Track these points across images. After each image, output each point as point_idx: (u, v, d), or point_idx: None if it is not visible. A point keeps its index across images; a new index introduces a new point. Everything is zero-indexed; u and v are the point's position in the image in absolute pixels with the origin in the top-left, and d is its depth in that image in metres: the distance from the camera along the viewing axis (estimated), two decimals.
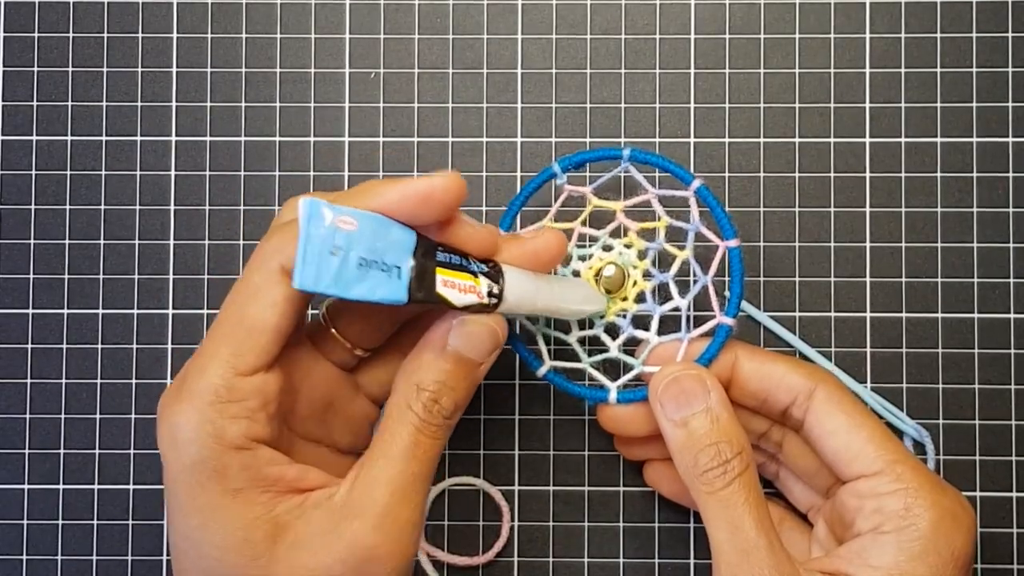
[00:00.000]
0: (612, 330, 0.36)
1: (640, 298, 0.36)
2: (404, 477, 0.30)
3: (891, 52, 0.40)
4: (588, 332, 0.36)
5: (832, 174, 0.40)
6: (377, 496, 0.29)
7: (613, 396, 0.35)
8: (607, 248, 0.36)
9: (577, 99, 0.40)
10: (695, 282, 0.35)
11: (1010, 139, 0.40)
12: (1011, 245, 0.39)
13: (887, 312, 0.39)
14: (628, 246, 0.36)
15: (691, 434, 0.32)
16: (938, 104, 0.40)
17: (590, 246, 0.36)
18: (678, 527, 0.39)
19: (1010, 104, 0.40)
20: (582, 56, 0.40)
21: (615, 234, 0.36)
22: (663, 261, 0.36)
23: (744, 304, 0.39)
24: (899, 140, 0.40)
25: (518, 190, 0.40)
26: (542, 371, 0.36)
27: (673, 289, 0.36)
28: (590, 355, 0.36)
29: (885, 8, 0.40)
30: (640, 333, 0.36)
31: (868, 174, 0.40)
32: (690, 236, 0.35)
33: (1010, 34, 0.40)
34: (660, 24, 0.40)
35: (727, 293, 0.36)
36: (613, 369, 0.37)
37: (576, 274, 0.36)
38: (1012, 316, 0.39)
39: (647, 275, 0.36)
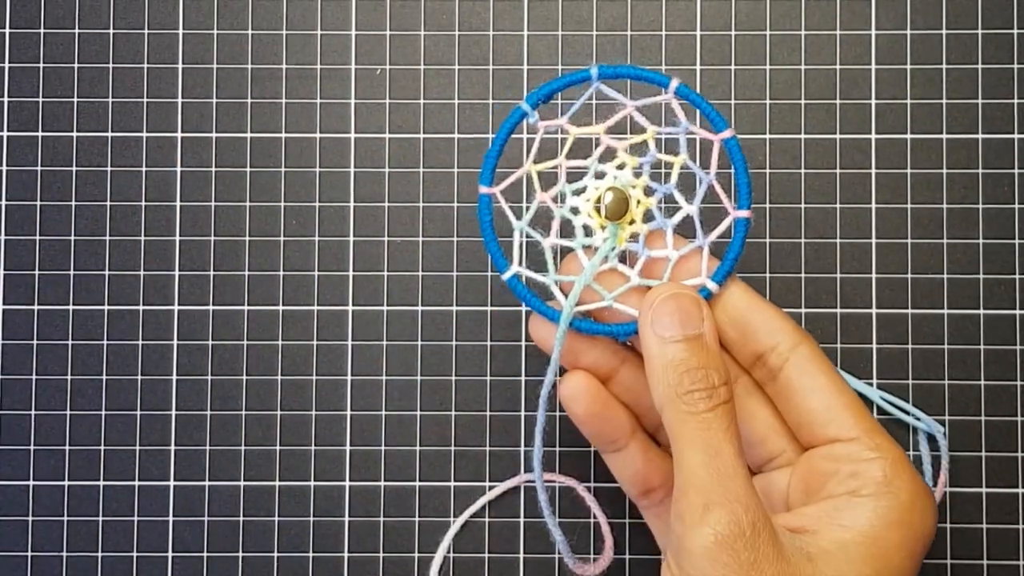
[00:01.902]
0: (629, 258, 0.34)
1: (648, 216, 0.33)
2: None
3: (897, 48, 0.40)
4: (605, 267, 0.33)
5: (838, 170, 0.40)
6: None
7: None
8: (600, 175, 0.34)
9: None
10: (700, 184, 0.33)
11: (1016, 135, 0.40)
12: (1016, 241, 0.39)
13: (893, 308, 0.39)
14: (621, 167, 0.34)
15: (680, 354, 0.31)
16: (944, 100, 0.40)
17: (582, 179, 0.34)
18: None
19: (1016, 100, 0.40)
20: (588, 52, 0.40)
21: (604, 159, 0.34)
22: (661, 173, 0.34)
23: None
24: (904, 136, 0.40)
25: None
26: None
27: (679, 198, 0.33)
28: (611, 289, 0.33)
29: (890, 4, 0.40)
30: (657, 252, 0.33)
31: (874, 170, 0.40)
32: (682, 139, 0.33)
33: (1015, 31, 0.40)
34: (666, 20, 0.40)
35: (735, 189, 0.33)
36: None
37: (575, 211, 0.34)
38: (1018, 312, 0.39)
39: (649, 191, 0.34)
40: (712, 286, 0.33)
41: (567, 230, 0.33)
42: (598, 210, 0.33)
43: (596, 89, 0.33)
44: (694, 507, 0.29)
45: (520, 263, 0.33)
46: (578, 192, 0.34)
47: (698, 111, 0.33)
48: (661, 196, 0.33)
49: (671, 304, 0.31)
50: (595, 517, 0.39)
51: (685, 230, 0.33)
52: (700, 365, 0.30)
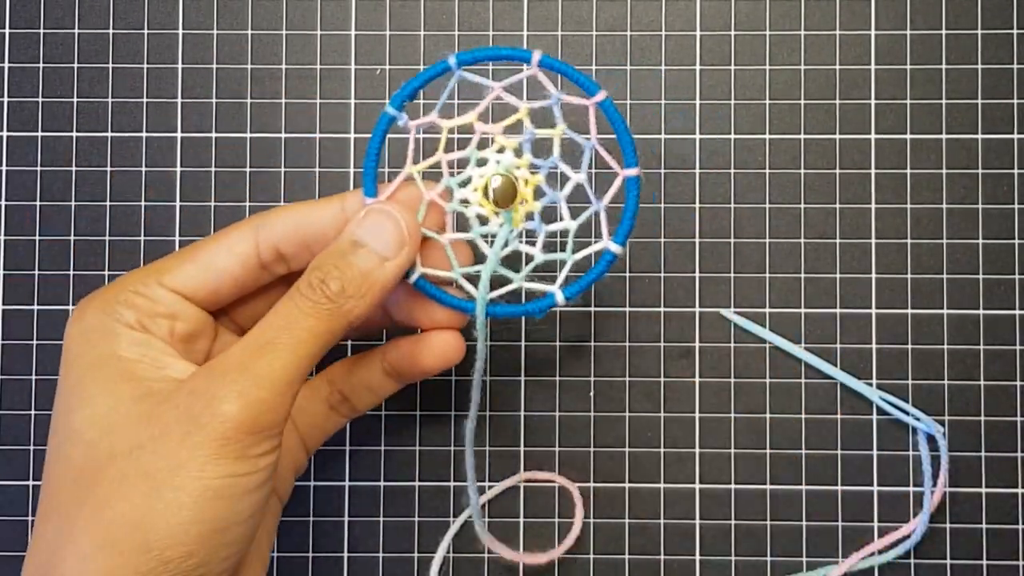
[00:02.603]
0: (530, 238, 0.34)
1: (539, 193, 0.34)
2: (264, 340, 0.29)
3: (896, 48, 0.40)
4: (507, 250, 0.33)
5: (837, 170, 0.40)
6: (230, 352, 0.29)
7: (560, 297, 0.33)
8: (482, 163, 0.33)
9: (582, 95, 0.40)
10: (584, 151, 0.33)
11: (1015, 135, 0.40)
12: (1016, 241, 0.39)
13: (892, 308, 0.39)
14: (501, 151, 0.33)
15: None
16: (943, 100, 0.40)
17: (462, 172, 0.34)
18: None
19: (1015, 100, 0.40)
20: (587, 52, 0.40)
21: (483, 146, 0.33)
22: (546, 153, 0.34)
23: (745, 323, 0.39)
24: (904, 136, 0.40)
25: None
26: (480, 305, 0.33)
27: (565, 169, 0.33)
28: (515, 269, 0.34)
29: (890, 4, 0.40)
30: (554, 226, 0.34)
31: (873, 170, 0.40)
32: (556, 110, 0.33)
33: (1015, 30, 0.40)
34: (665, 21, 0.40)
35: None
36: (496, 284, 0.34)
37: (465, 203, 0.33)
38: (1017, 312, 0.39)
39: (534, 168, 0.33)
40: (616, 248, 0.33)
41: (462, 223, 0.34)
42: (487, 197, 0.33)
43: (459, 78, 0.33)
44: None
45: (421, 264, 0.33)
46: (464, 183, 0.34)
47: (569, 79, 0.33)
48: (546, 171, 0.33)
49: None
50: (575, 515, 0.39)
51: (578, 198, 0.34)
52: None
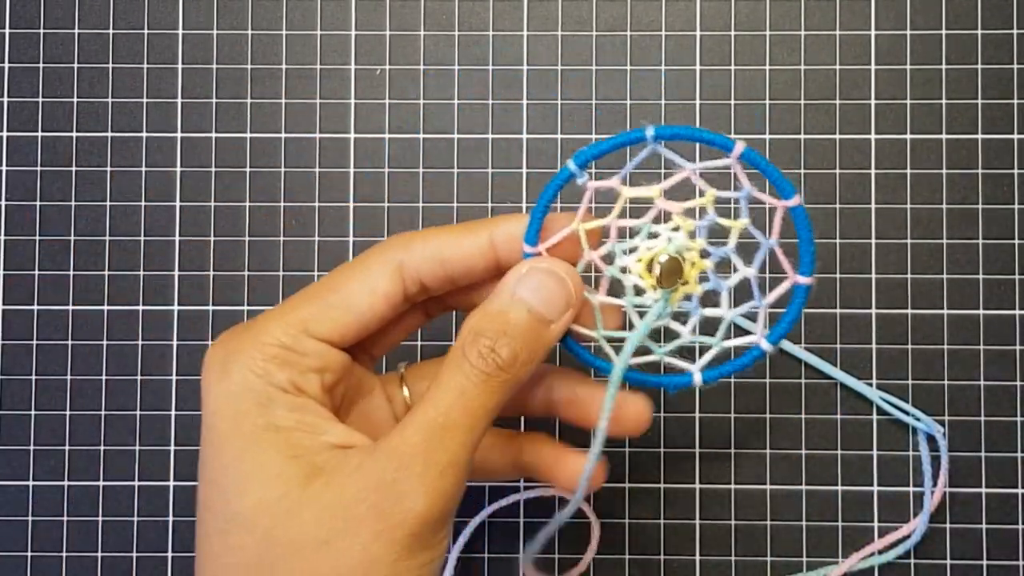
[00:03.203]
0: (681, 317, 0.32)
1: (703, 278, 0.32)
2: (443, 422, 0.28)
3: (896, 48, 0.40)
4: (658, 323, 0.32)
5: (837, 170, 0.40)
6: (408, 435, 0.28)
7: (698, 378, 0.32)
8: (653, 236, 0.32)
9: (583, 95, 0.40)
10: (760, 249, 0.31)
11: (1015, 135, 0.40)
12: (1016, 241, 0.39)
13: (892, 308, 0.39)
14: (676, 229, 0.32)
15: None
16: (943, 100, 0.40)
17: (632, 238, 0.32)
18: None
19: (1015, 100, 0.40)
20: (588, 52, 0.40)
21: (658, 220, 0.32)
22: (719, 236, 0.32)
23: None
24: (904, 136, 0.40)
25: (523, 186, 0.40)
26: (616, 373, 0.31)
27: (736, 262, 0.32)
28: (662, 344, 0.32)
29: (890, 4, 0.40)
30: (711, 311, 0.32)
31: (873, 170, 0.40)
32: (743, 204, 0.31)
33: (1015, 31, 0.40)
34: (665, 21, 0.40)
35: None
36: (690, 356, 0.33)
37: (625, 270, 0.32)
38: (1017, 312, 0.39)
39: (704, 254, 0.32)
40: (767, 346, 0.32)
41: (614, 288, 0.32)
42: (649, 270, 0.32)
43: (652, 151, 0.31)
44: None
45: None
46: (628, 251, 0.32)
47: (766, 178, 0.31)
48: (716, 258, 0.32)
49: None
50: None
51: (740, 292, 0.32)
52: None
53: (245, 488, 0.28)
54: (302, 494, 0.28)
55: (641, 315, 0.32)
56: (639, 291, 0.32)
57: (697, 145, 0.39)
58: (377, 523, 0.27)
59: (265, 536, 0.28)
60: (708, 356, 0.32)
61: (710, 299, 0.32)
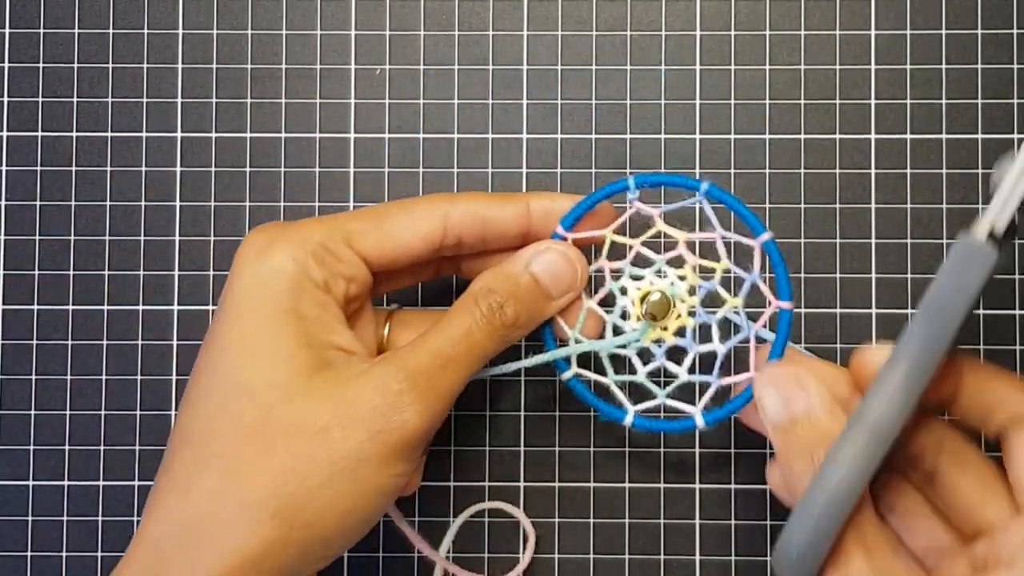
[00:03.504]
0: (644, 355, 0.35)
1: (680, 332, 0.35)
2: (449, 352, 0.31)
3: (896, 48, 0.40)
4: (621, 351, 0.35)
5: (837, 170, 0.40)
6: (419, 354, 0.31)
7: (629, 419, 0.35)
8: (660, 274, 0.35)
9: (582, 95, 0.40)
10: (736, 331, 0.35)
11: (1016, 135, 0.40)
12: (1016, 241, 0.39)
13: (892, 308, 0.39)
14: (682, 278, 0.35)
15: (790, 438, 0.31)
16: (943, 100, 0.40)
17: (645, 267, 0.35)
18: (684, 523, 0.39)
19: (1015, 100, 0.40)
20: (587, 52, 0.40)
21: (672, 262, 0.35)
22: (712, 303, 0.35)
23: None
24: (904, 136, 0.40)
25: (523, 186, 0.40)
26: (567, 375, 0.35)
27: (715, 333, 0.35)
28: (617, 372, 0.36)
29: (890, 4, 0.40)
30: (671, 366, 0.35)
31: (873, 170, 0.40)
32: (745, 286, 0.35)
33: (1015, 31, 0.40)
34: (665, 20, 0.40)
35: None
36: (636, 390, 0.36)
37: (624, 292, 0.35)
38: (1017, 312, 0.39)
39: (692, 312, 0.35)
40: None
41: (607, 302, 0.35)
42: (642, 301, 0.35)
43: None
44: None
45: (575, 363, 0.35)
46: (635, 277, 0.35)
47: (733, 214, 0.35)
48: (700, 323, 0.35)
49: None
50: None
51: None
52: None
53: (257, 362, 0.30)
54: (309, 381, 0.30)
55: (616, 334, 0.35)
56: (625, 314, 0.35)
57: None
58: (375, 424, 0.30)
59: (267, 411, 0.30)
60: (708, 395, 0.35)
61: (672, 355, 0.35)
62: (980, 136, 0.40)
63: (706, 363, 0.35)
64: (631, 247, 0.35)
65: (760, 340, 0.35)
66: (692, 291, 0.35)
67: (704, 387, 0.35)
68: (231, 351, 0.31)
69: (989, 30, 0.40)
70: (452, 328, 0.32)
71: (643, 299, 0.35)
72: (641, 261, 0.35)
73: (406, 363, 0.31)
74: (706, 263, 0.35)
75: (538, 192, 0.35)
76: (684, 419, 0.35)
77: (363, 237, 0.32)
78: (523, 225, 0.34)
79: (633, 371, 0.35)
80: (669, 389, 0.35)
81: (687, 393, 0.35)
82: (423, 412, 0.30)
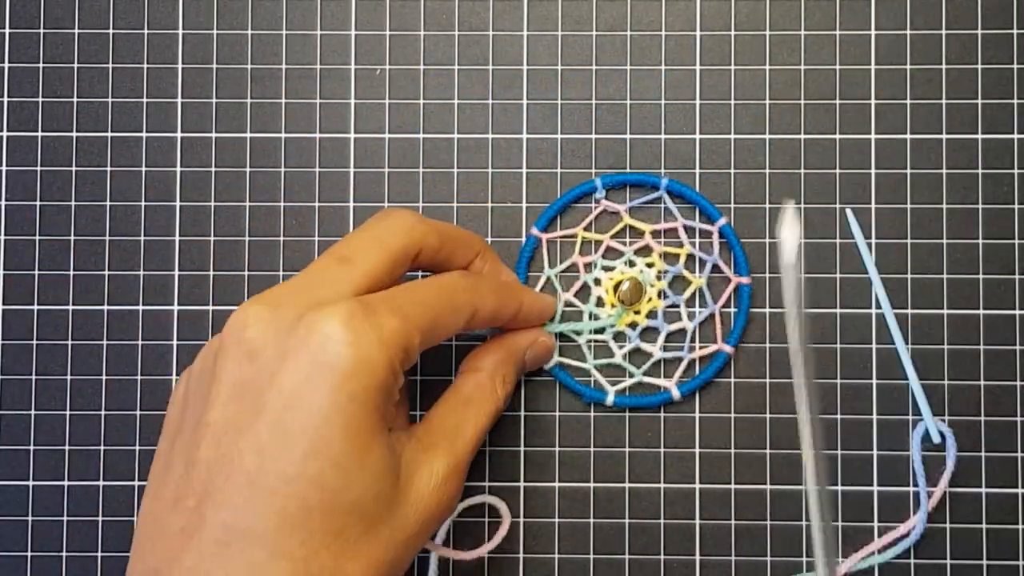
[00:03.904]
0: (620, 338, 0.39)
1: (651, 315, 0.39)
2: (480, 436, 0.35)
3: (897, 48, 0.40)
4: (598, 336, 0.39)
5: (837, 170, 0.40)
6: (461, 449, 0.34)
7: (610, 399, 0.39)
8: (630, 263, 0.39)
9: (583, 95, 0.40)
10: (706, 264, 0.39)
11: (1015, 135, 0.40)
12: (1016, 241, 0.39)
13: (892, 308, 0.39)
14: (650, 265, 0.39)
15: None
16: (943, 100, 0.40)
17: (617, 258, 0.39)
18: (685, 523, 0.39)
19: (1015, 100, 0.40)
20: (588, 52, 0.40)
21: (640, 252, 0.39)
22: (679, 286, 0.39)
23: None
24: (904, 136, 0.40)
25: (523, 186, 0.40)
26: (550, 364, 0.39)
27: (683, 312, 0.39)
28: (595, 357, 0.39)
29: (890, 4, 0.40)
30: (645, 346, 0.39)
31: (873, 170, 0.40)
32: (707, 267, 0.39)
33: (1015, 31, 0.40)
34: (665, 21, 0.40)
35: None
36: (615, 373, 0.40)
37: (597, 282, 0.39)
38: (1017, 312, 0.39)
39: (662, 295, 0.39)
40: (728, 349, 0.39)
41: (582, 294, 0.39)
42: (615, 290, 0.39)
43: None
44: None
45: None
46: (607, 268, 0.39)
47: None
48: (669, 303, 0.39)
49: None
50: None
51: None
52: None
53: (368, 482, 0.30)
54: (396, 491, 0.31)
55: (591, 320, 0.39)
56: (600, 302, 0.39)
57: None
58: (440, 515, 0.33)
59: (373, 524, 0.30)
60: (680, 369, 0.39)
61: (646, 336, 0.39)
62: (980, 136, 0.40)
63: (677, 341, 0.39)
64: (601, 242, 0.39)
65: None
66: (659, 276, 0.39)
67: (677, 363, 0.39)
68: (346, 467, 0.29)
69: (989, 30, 0.40)
70: (484, 415, 0.35)
71: (616, 287, 0.39)
72: (611, 254, 0.39)
73: (456, 455, 0.33)
74: (671, 250, 0.39)
75: (535, 296, 0.38)
76: (662, 393, 0.39)
77: (428, 340, 0.32)
78: (515, 312, 0.37)
79: (611, 355, 0.39)
80: (645, 367, 0.39)
81: (661, 370, 0.39)
82: (460, 490, 0.34)
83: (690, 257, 0.39)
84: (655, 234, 0.39)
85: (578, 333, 0.39)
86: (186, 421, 0.31)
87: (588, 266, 0.39)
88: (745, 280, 0.39)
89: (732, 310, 0.39)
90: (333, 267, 0.32)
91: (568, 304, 0.40)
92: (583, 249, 0.39)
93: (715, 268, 0.39)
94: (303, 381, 0.29)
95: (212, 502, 0.28)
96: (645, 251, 0.39)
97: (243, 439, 0.29)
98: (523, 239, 0.40)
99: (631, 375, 0.39)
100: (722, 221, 0.39)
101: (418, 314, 0.31)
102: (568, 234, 0.39)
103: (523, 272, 0.39)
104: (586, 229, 0.39)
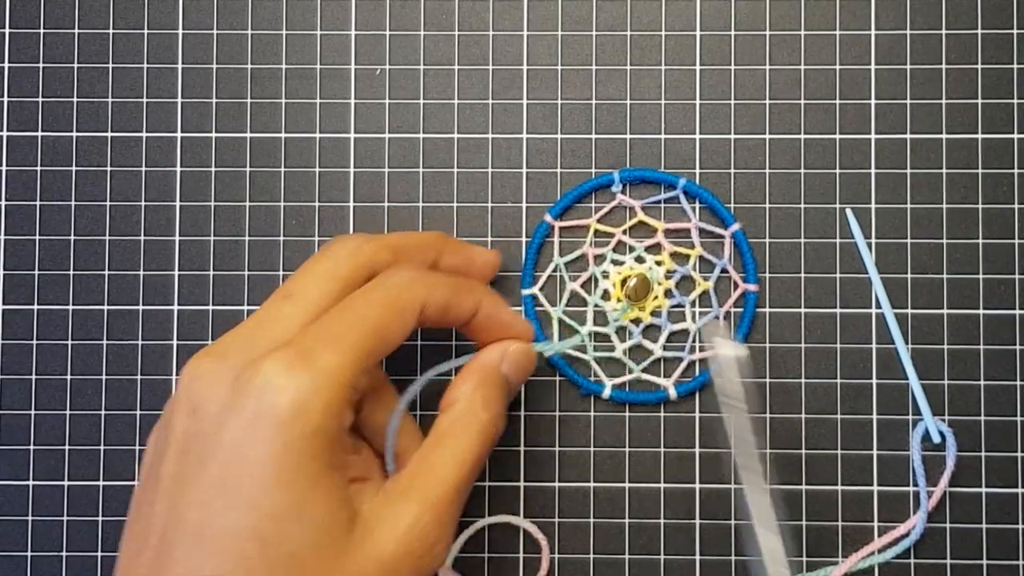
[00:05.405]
0: (621, 333, 0.39)
1: (655, 313, 0.39)
2: (467, 476, 0.32)
3: (896, 48, 0.40)
4: (601, 328, 0.39)
5: (838, 170, 0.40)
6: (443, 492, 0.32)
7: (607, 392, 0.39)
8: (640, 260, 0.39)
9: (583, 95, 0.40)
10: (716, 268, 0.39)
11: (1015, 135, 0.40)
12: (1016, 241, 0.39)
13: (892, 308, 0.39)
14: (659, 263, 0.39)
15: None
16: (943, 100, 0.40)
17: (627, 253, 0.39)
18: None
19: (1015, 100, 0.40)
20: (587, 52, 0.40)
21: (650, 249, 0.39)
22: (686, 286, 0.39)
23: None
24: (904, 136, 0.40)
25: (523, 186, 0.40)
26: (549, 352, 0.38)
27: (687, 312, 0.39)
28: (596, 350, 0.39)
29: (890, 4, 0.40)
30: (647, 343, 0.39)
31: (873, 170, 0.40)
32: (716, 270, 0.39)
33: (1015, 31, 0.40)
34: (665, 20, 0.40)
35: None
36: (615, 367, 0.40)
37: (605, 275, 0.39)
38: (1017, 312, 0.39)
39: (669, 294, 0.39)
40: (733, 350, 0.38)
41: (589, 285, 0.40)
42: (622, 284, 0.39)
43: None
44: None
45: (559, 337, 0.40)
46: (616, 262, 0.39)
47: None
48: (679, 277, 0.39)
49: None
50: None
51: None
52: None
53: (304, 534, 0.29)
54: (348, 543, 0.30)
55: (597, 316, 0.39)
56: (606, 295, 0.39)
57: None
58: (414, 568, 0.31)
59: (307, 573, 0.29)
60: (680, 368, 0.39)
61: (648, 334, 0.39)
62: (980, 136, 0.40)
63: (679, 341, 0.39)
64: (613, 235, 0.39)
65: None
66: (668, 275, 0.39)
67: (677, 363, 0.39)
68: (267, 518, 0.28)
69: (989, 30, 0.40)
70: (464, 447, 0.33)
71: (623, 282, 0.39)
72: (621, 248, 0.39)
73: (434, 505, 0.31)
74: (681, 250, 0.39)
75: (491, 297, 0.35)
76: (658, 391, 0.39)
77: (374, 358, 0.32)
78: (476, 304, 0.35)
79: (612, 348, 0.39)
80: (645, 364, 0.39)
81: (660, 368, 0.39)
82: (449, 539, 0.32)
83: (700, 259, 0.39)
84: (667, 233, 0.39)
85: (581, 324, 0.39)
86: (150, 475, 0.31)
87: (598, 259, 0.39)
88: (752, 287, 0.39)
89: (737, 310, 0.39)
90: (279, 305, 0.32)
91: (573, 295, 0.39)
92: (594, 242, 0.40)
93: (723, 272, 0.39)
94: (243, 433, 0.29)
95: (168, 558, 0.29)
96: (656, 249, 0.39)
97: (189, 493, 0.29)
98: (523, 239, 0.40)
99: (630, 371, 0.39)
100: (735, 226, 0.39)
101: (357, 336, 0.31)
102: (581, 224, 0.39)
103: (532, 259, 0.39)
104: (599, 222, 0.39)
